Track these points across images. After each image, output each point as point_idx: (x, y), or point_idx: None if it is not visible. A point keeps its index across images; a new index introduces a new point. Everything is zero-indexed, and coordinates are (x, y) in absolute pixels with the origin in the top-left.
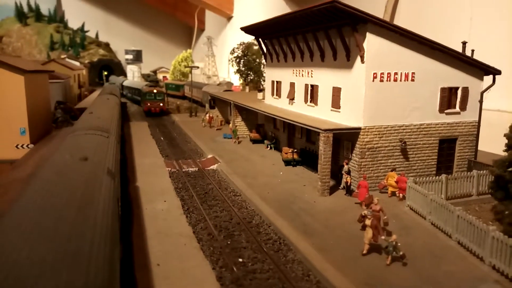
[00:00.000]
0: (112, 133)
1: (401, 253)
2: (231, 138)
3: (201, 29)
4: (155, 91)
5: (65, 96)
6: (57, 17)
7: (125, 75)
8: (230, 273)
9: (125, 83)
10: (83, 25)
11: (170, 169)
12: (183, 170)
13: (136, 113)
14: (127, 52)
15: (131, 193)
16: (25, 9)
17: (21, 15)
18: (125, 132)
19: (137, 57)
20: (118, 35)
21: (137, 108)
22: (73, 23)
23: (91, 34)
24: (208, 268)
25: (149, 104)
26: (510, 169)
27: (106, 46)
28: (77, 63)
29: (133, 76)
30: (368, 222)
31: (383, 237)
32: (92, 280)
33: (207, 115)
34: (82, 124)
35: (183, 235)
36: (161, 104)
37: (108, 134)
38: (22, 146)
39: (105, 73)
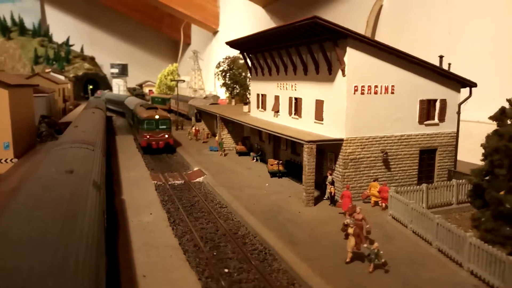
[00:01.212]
0: (98, 146)
1: (382, 260)
2: (217, 150)
3: (187, 43)
4: (157, 116)
5: (49, 110)
6: (41, 31)
7: (110, 89)
8: (216, 284)
9: (128, 102)
10: (68, 39)
11: (156, 182)
12: (169, 183)
13: (121, 126)
14: (112, 66)
15: (117, 206)
16: (9, 23)
17: (4, 29)
18: (110, 146)
19: (123, 71)
20: (103, 49)
21: (123, 122)
22: (58, 37)
23: (76, 48)
24: (194, 278)
25: (148, 136)
26: (487, 177)
27: (91, 60)
28: (62, 77)
29: (119, 90)
30: (350, 230)
31: (365, 245)
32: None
33: (193, 128)
34: (67, 138)
35: (169, 247)
36: (166, 136)
37: (94, 147)
38: (5, 160)
39: (91, 87)
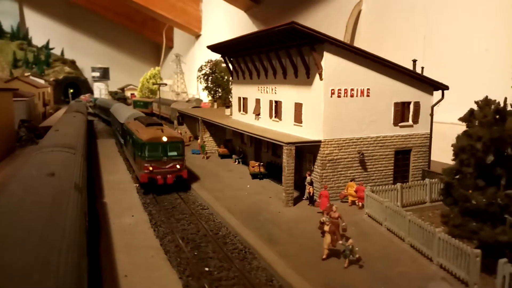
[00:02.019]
0: (79, 150)
1: (357, 256)
2: (199, 153)
3: (170, 47)
4: (164, 139)
5: (29, 115)
6: (20, 34)
7: (92, 93)
8: (197, 282)
9: (115, 110)
10: (48, 42)
11: (137, 185)
12: None
13: (102, 130)
14: (93, 69)
15: (98, 209)
16: None
17: None
18: (92, 150)
19: (104, 74)
20: (84, 52)
21: (104, 126)
22: (38, 40)
23: (56, 51)
24: (175, 277)
25: (151, 167)
26: (457, 176)
27: (72, 63)
28: (42, 81)
29: (100, 93)
30: (326, 228)
31: (340, 242)
32: (61, 284)
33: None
34: (48, 142)
35: (151, 247)
36: (178, 167)
37: (75, 151)
38: None
39: (71, 90)
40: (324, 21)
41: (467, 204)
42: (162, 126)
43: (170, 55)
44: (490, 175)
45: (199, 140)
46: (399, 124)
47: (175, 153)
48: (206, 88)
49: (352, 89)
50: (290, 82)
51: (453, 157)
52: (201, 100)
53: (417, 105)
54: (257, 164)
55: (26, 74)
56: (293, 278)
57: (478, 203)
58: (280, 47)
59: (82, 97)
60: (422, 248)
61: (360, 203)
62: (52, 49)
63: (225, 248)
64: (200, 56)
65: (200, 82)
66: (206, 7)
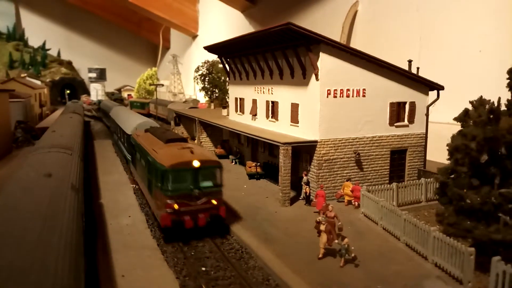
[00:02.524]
0: (75, 151)
1: (353, 255)
2: None
3: (166, 47)
4: (196, 163)
5: (25, 116)
6: (16, 35)
7: (88, 93)
8: (193, 281)
9: (116, 115)
10: (44, 43)
11: (134, 186)
12: None
13: (99, 131)
14: (90, 70)
15: (95, 209)
16: None
17: None
18: (89, 151)
19: (101, 75)
20: (81, 53)
21: (101, 126)
22: (34, 41)
23: (53, 52)
24: (172, 277)
25: (176, 205)
26: (452, 176)
27: (69, 64)
28: (38, 82)
29: (97, 94)
30: (322, 227)
31: (336, 241)
32: (59, 284)
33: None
34: (45, 142)
35: (148, 247)
36: (214, 202)
37: (72, 152)
38: None
39: (68, 91)
40: (321, 21)
41: (461, 203)
42: (188, 143)
43: (167, 56)
44: (484, 174)
45: (196, 141)
46: (395, 124)
47: (210, 184)
48: (203, 88)
49: (348, 90)
50: (287, 83)
51: (448, 157)
52: (198, 101)
53: (412, 105)
54: (254, 165)
55: (23, 75)
56: (290, 277)
57: (472, 202)
58: (276, 47)
59: (83, 99)
60: (417, 246)
61: (356, 203)
62: (48, 50)
63: (222, 248)
64: (197, 56)
65: (197, 83)
66: (202, 8)
